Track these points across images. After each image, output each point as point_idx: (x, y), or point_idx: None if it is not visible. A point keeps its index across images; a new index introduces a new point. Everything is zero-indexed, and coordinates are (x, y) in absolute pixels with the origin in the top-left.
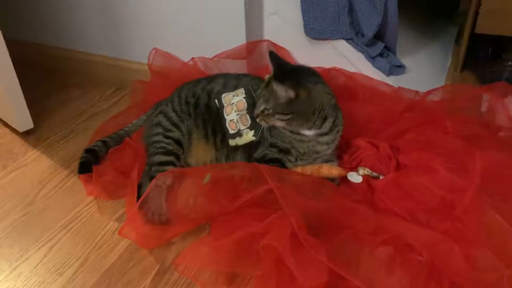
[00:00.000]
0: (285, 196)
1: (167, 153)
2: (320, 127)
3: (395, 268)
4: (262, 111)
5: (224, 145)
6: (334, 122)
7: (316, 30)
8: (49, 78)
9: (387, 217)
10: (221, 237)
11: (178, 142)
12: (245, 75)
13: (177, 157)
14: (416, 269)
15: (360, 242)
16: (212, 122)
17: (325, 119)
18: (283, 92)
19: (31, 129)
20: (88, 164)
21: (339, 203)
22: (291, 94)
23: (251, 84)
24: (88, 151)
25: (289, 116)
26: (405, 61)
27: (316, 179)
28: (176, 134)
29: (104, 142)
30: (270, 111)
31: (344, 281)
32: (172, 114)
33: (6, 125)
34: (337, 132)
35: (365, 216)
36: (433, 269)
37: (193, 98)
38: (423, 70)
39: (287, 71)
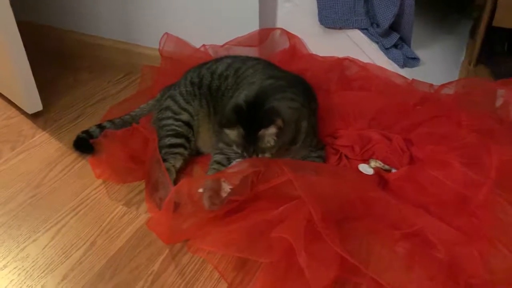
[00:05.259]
0: (303, 185)
1: (177, 135)
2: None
3: (415, 265)
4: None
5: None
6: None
7: (330, 19)
8: (58, 61)
9: (409, 209)
10: (233, 222)
11: (188, 124)
12: (253, 59)
13: (187, 140)
14: (436, 267)
15: (379, 235)
16: (213, 104)
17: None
18: (274, 129)
19: (40, 111)
20: (84, 140)
21: (360, 192)
22: (280, 123)
23: (255, 69)
24: (84, 132)
25: (284, 147)
26: (419, 53)
27: (335, 167)
28: (185, 116)
29: (100, 126)
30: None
31: (357, 277)
32: (179, 98)
33: (15, 106)
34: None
35: (387, 207)
36: (451, 268)
37: (197, 78)
38: (437, 63)
39: (251, 112)
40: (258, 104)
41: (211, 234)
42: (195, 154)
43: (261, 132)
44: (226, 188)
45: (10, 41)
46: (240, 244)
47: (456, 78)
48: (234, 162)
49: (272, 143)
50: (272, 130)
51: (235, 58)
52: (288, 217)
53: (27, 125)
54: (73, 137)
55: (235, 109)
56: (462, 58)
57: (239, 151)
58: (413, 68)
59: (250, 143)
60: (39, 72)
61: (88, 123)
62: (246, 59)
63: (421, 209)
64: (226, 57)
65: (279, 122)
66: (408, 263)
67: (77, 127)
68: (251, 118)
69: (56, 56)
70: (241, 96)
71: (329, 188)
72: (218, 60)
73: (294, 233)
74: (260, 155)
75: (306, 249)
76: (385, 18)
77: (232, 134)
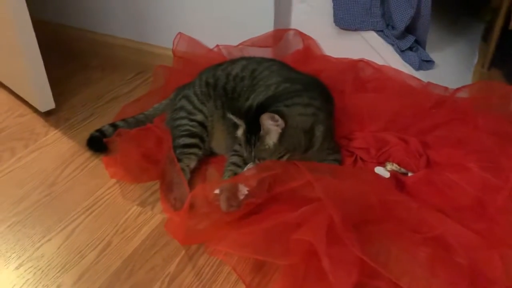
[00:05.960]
0: (323, 188)
1: (192, 135)
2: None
3: (435, 269)
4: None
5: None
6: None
7: (346, 20)
8: (70, 59)
9: (429, 212)
10: (251, 224)
11: (202, 125)
12: (268, 60)
13: (202, 140)
14: (456, 271)
15: (400, 239)
16: (228, 105)
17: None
18: (273, 125)
19: (52, 109)
20: (97, 139)
21: (380, 195)
22: (281, 123)
23: (271, 70)
24: (98, 130)
25: (287, 155)
26: (432, 56)
27: (354, 169)
28: (200, 117)
29: (114, 125)
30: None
31: (375, 280)
32: (194, 98)
33: (26, 104)
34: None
35: (407, 210)
36: (471, 273)
37: (213, 79)
38: (450, 66)
39: (257, 114)
40: (266, 107)
41: (228, 235)
42: (209, 155)
43: (261, 131)
44: (243, 190)
45: (25, 39)
46: (258, 246)
47: (469, 81)
48: (250, 164)
49: (271, 146)
50: (268, 124)
51: (250, 59)
52: (308, 220)
53: (39, 123)
54: (85, 136)
55: (248, 108)
56: (475, 61)
57: (244, 153)
58: (426, 71)
59: (251, 145)
60: (50, 70)
61: (100, 122)
62: (261, 60)
63: (441, 213)
64: (241, 58)
65: (280, 122)
66: (429, 267)
67: (89, 126)
68: (255, 119)
69: (68, 55)
70: (257, 99)
71: (349, 190)
72: (233, 61)
73: (316, 236)
74: (261, 161)
75: (327, 253)
76: (402, 20)
77: (239, 129)
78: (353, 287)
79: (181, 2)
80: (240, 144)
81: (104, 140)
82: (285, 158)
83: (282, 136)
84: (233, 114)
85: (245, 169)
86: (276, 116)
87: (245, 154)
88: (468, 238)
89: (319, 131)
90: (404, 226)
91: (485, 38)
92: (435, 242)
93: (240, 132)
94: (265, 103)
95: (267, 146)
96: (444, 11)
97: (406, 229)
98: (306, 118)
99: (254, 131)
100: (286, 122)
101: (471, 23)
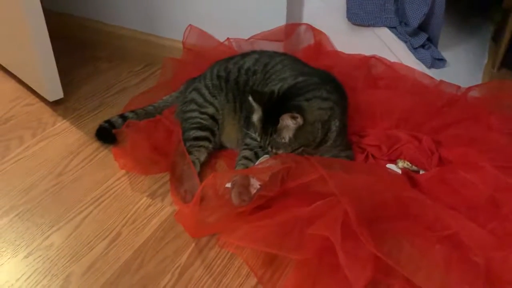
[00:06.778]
0: (337, 183)
1: (203, 128)
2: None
3: (453, 269)
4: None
5: (244, 125)
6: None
7: (359, 16)
8: (79, 49)
9: (444, 210)
10: (263, 218)
11: (213, 118)
12: (280, 54)
13: (212, 133)
14: (472, 271)
15: (415, 237)
16: (240, 99)
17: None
18: (291, 123)
19: (60, 99)
20: (106, 130)
21: (396, 192)
22: (300, 121)
23: (284, 64)
24: (106, 121)
25: (301, 149)
26: (442, 55)
27: (369, 165)
28: (210, 110)
29: (123, 117)
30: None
31: (389, 278)
32: (205, 91)
33: (34, 93)
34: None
35: (422, 208)
36: (486, 273)
37: (224, 72)
38: (460, 66)
39: (277, 104)
40: (287, 98)
41: (239, 228)
42: (219, 148)
43: (279, 125)
44: (255, 184)
45: (36, 28)
46: (270, 239)
47: (480, 81)
48: (262, 158)
49: (287, 140)
50: (288, 123)
51: (262, 53)
52: (322, 215)
53: (47, 113)
54: (94, 126)
55: (270, 93)
56: (485, 61)
57: (258, 138)
58: (438, 69)
59: (267, 134)
60: (59, 60)
61: (108, 113)
62: (273, 54)
63: (455, 211)
64: (253, 52)
65: (299, 120)
66: (444, 266)
67: (97, 116)
68: (275, 109)
69: (77, 45)
70: (276, 87)
71: (363, 186)
72: (245, 55)
73: (332, 231)
74: (274, 150)
75: (342, 248)
76: (415, 17)
77: (255, 114)
78: (367, 282)
79: None
80: (250, 138)
81: (114, 131)
82: (299, 151)
83: (298, 131)
84: (252, 97)
85: (257, 163)
86: (296, 115)
87: (258, 140)
88: (482, 238)
89: (335, 125)
90: (419, 223)
91: (495, 38)
92: (450, 240)
93: (255, 118)
94: (287, 94)
95: (283, 140)
96: (454, 10)
97: (421, 227)
98: (324, 112)
99: (272, 121)
100: (305, 119)
101: (480, 23)
